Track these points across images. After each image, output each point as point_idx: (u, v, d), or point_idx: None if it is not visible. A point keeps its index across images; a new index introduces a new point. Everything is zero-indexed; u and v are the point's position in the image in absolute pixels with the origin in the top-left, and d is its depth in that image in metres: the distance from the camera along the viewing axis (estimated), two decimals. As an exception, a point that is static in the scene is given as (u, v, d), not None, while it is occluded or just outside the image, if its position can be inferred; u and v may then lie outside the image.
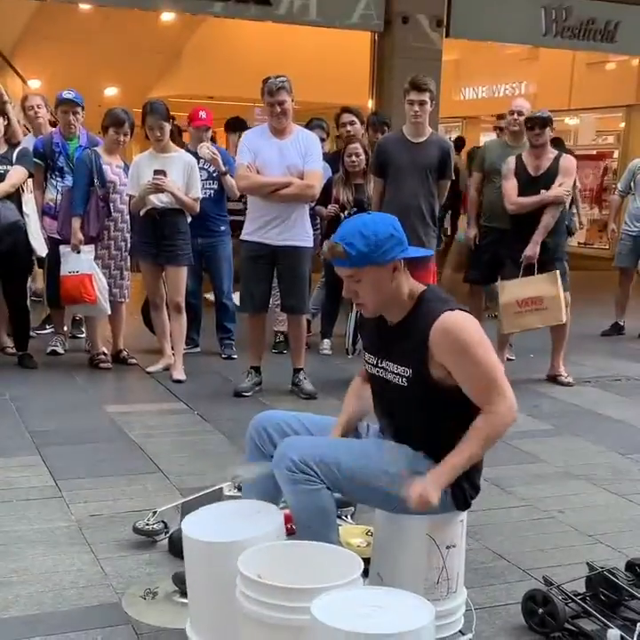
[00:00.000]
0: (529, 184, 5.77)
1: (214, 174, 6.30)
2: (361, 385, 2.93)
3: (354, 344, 6.43)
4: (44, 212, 6.17)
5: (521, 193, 5.78)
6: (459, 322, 2.53)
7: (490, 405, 2.49)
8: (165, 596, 2.87)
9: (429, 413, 2.59)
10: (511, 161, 5.88)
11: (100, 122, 5.96)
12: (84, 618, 2.77)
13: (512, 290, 5.77)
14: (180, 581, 2.79)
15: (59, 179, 6.10)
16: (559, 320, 5.82)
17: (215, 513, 2.61)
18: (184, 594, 2.74)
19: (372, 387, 2.79)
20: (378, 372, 2.70)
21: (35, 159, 6.06)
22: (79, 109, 6.09)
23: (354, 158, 6.09)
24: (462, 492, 2.63)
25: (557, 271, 5.73)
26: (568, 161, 5.84)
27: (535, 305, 5.71)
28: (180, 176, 5.63)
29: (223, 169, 6.21)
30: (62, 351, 6.35)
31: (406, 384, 2.59)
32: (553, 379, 6.04)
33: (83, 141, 6.15)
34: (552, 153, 5.84)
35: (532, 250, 5.71)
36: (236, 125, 7.53)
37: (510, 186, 5.82)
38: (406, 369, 2.59)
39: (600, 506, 3.86)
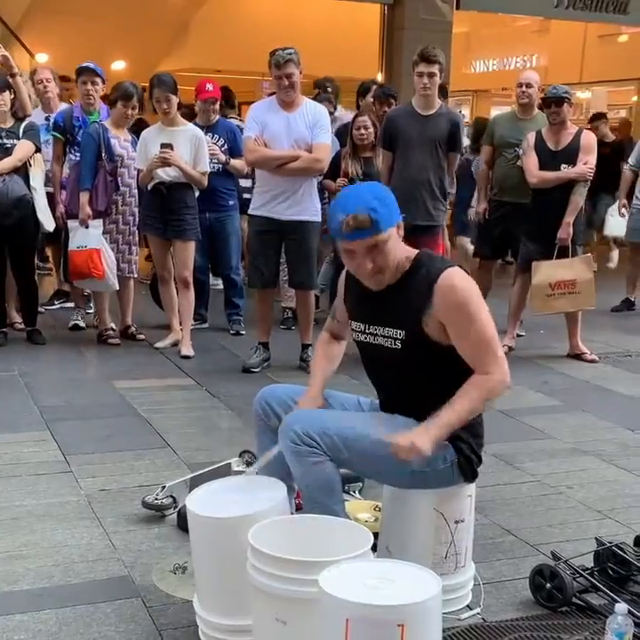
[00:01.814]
0: (550, 159, 5.73)
1: (223, 148, 6.25)
2: (328, 344, 2.95)
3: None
4: (63, 186, 6.16)
5: (541, 168, 5.74)
6: (464, 279, 2.57)
7: (485, 366, 2.50)
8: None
9: (424, 377, 2.58)
10: (531, 137, 5.84)
11: (108, 96, 5.93)
12: (93, 591, 2.78)
13: (546, 271, 5.76)
14: None
15: (78, 153, 6.04)
16: (590, 305, 5.88)
17: (220, 488, 2.61)
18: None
19: (362, 354, 2.78)
20: (366, 338, 2.68)
21: (54, 133, 6.12)
22: (98, 80, 6.05)
23: (362, 131, 6.04)
24: (469, 463, 2.62)
25: (590, 255, 5.77)
26: (590, 137, 5.81)
27: (568, 288, 5.75)
28: (188, 150, 5.59)
29: (224, 159, 6.17)
30: (84, 325, 6.36)
31: (400, 346, 2.58)
32: (577, 357, 6.02)
33: (103, 116, 6.12)
34: (573, 128, 5.82)
35: (566, 231, 5.69)
36: None
37: (531, 160, 5.78)
38: (399, 331, 2.58)
39: (609, 481, 3.84)
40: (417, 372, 2.59)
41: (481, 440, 2.69)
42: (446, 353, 2.53)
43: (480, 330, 2.51)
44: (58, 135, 6.11)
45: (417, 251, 2.65)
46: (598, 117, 10.24)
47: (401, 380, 2.65)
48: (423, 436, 2.41)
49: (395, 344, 2.59)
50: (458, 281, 2.54)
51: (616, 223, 8.29)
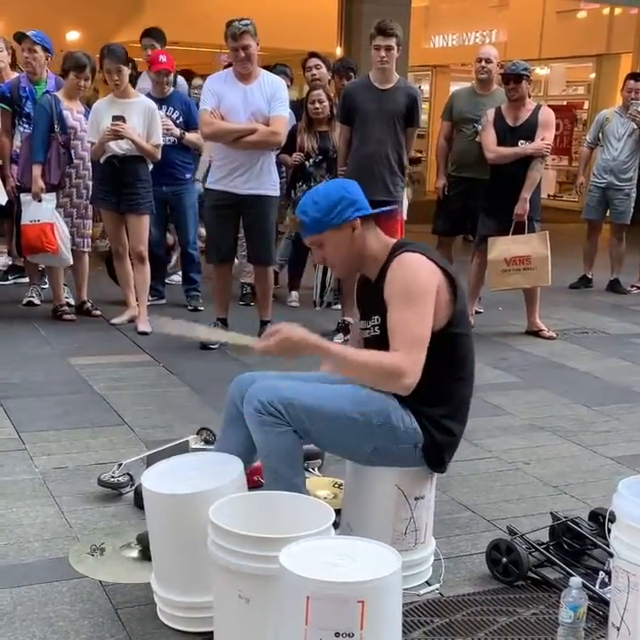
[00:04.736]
0: (508, 134, 5.76)
1: (179, 121, 6.16)
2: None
3: (321, 297, 6.43)
4: (13, 159, 6.02)
5: (500, 144, 5.77)
6: (412, 262, 2.54)
7: (395, 346, 2.46)
8: (113, 552, 2.84)
9: None
10: (490, 113, 5.87)
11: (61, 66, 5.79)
12: (49, 570, 2.74)
13: (502, 247, 5.79)
14: (142, 541, 2.77)
15: (26, 125, 5.91)
16: (545, 282, 5.92)
17: (176, 465, 2.59)
18: (142, 550, 2.75)
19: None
20: (368, 332, 2.71)
21: (1, 104, 5.93)
22: (37, 48, 5.89)
23: (317, 105, 5.97)
24: (437, 451, 2.62)
25: (547, 232, 5.78)
26: (548, 114, 5.85)
27: (523, 264, 5.78)
28: (140, 122, 5.50)
29: (178, 133, 6.09)
30: (39, 302, 6.25)
31: (379, 332, 2.60)
32: (535, 334, 6.06)
33: (51, 86, 5.98)
34: (531, 105, 5.85)
35: (522, 207, 5.71)
36: None
37: (489, 136, 5.81)
38: (377, 317, 2.61)
39: (565, 457, 3.88)
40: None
41: (455, 439, 2.68)
42: None
43: (405, 317, 2.45)
44: (5, 107, 5.95)
45: (394, 241, 2.67)
46: None
47: None
48: (305, 337, 2.45)
49: (375, 331, 2.63)
50: (404, 264, 2.52)
51: None
